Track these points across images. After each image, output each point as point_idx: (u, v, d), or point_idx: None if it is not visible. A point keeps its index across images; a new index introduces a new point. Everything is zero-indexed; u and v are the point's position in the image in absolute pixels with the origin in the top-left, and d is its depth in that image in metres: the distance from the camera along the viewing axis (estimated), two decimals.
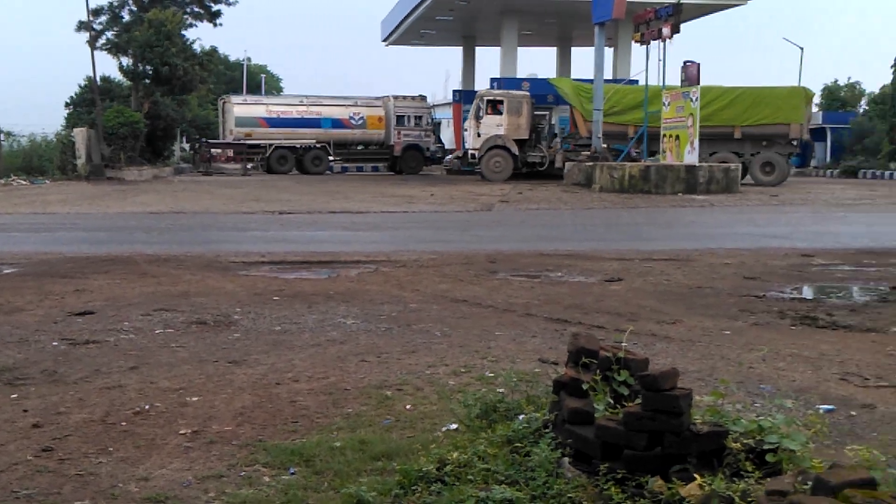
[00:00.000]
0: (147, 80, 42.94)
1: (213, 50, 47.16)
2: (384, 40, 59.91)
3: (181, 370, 6.64)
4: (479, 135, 36.76)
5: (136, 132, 39.98)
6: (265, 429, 5.31)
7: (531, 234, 18.22)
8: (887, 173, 44.81)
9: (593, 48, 35.20)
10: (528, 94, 38.62)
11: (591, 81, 39.59)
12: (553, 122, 41.34)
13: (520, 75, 45.46)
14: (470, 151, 37.43)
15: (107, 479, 4.52)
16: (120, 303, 9.49)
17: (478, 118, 36.88)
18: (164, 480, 4.50)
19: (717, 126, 34.19)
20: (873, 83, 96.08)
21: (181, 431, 5.25)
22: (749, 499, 3.17)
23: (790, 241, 16.32)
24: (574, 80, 40.61)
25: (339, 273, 12.13)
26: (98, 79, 41.80)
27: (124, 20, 45.31)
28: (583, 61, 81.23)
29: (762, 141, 35.60)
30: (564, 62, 54.55)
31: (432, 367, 6.70)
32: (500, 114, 36.83)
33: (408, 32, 54.11)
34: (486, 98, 37.36)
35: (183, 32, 43.84)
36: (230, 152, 45.81)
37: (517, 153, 36.87)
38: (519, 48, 46.44)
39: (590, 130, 36.12)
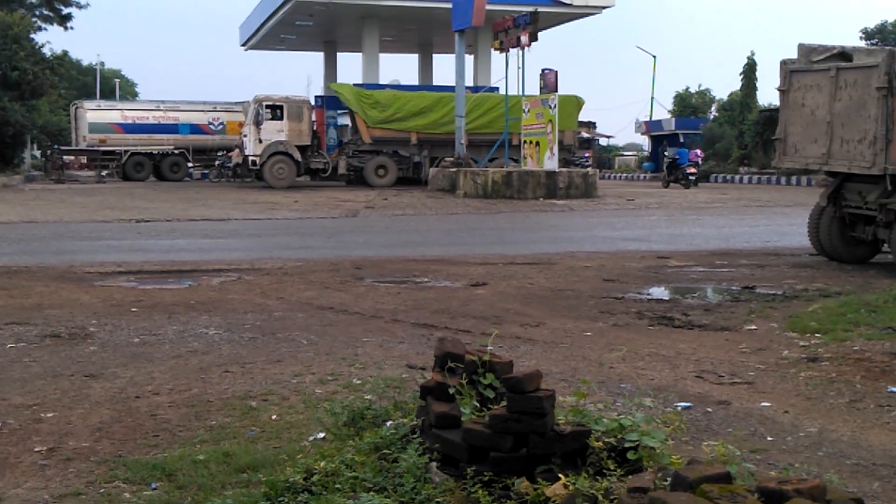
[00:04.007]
0: None
1: (65, 54, 45.62)
2: (243, 45, 59.08)
3: (35, 385, 6.37)
4: (259, 141, 35.81)
5: None
6: (125, 444, 5.15)
7: (397, 239, 18.25)
8: (737, 177, 46.73)
9: (454, 55, 35.55)
10: (307, 99, 38.14)
11: (374, 87, 40.24)
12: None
13: (382, 81, 45.52)
14: (251, 158, 36.21)
15: None
16: None
17: (257, 124, 35.78)
18: (19, 500, 4.32)
19: (497, 133, 35.10)
20: (722, 90, 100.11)
21: (36, 449, 5.05)
22: (612, 496, 3.24)
23: (647, 243, 16.83)
24: (355, 85, 40.65)
25: (200, 282, 11.87)
26: None
27: None
28: (444, 68, 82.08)
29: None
30: (426, 69, 54.96)
31: (298, 375, 6.62)
32: (281, 119, 36.12)
33: (267, 37, 53.51)
34: (265, 103, 36.23)
35: (32, 36, 42.27)
36: (84, 159, 44.36)
37: (300, 159, 36.37)
38: (381, 54, 46.51)
39: (372, 137, 36.94)
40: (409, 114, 36.94)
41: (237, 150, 40.35)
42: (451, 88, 35.88)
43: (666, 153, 44.07)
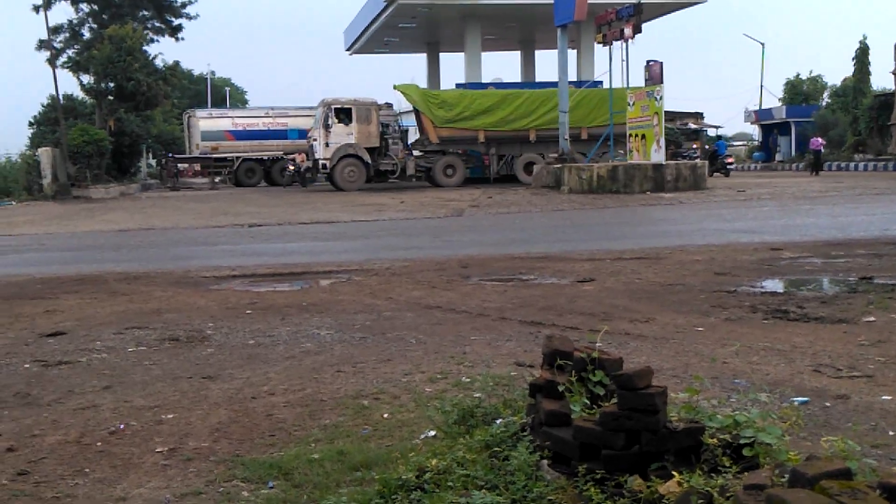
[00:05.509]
0: (110, 97, 42.66)
1: (176, 64, 46.95)
2: (348, 49, 59.88)
3: (155, 388, 6.59)
4: (328, 144, 35.90)
5: (102, 150, 39.74)
6: (242, 443, 5.28)
7: (502, 237, 18.25)
8: (852, 165, 45.30)
9: (556, 51, 35.37)
10: (375, 101, 37.92)
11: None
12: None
13: (485, 80, 45.58)
14: (321, 162, 36.37)
15: (84, 500, 4.48)
16: (91, 322, 9.41)
17: (326, 127, 35.88)
18: (142, 500, 4.46)
19: (576, 127, 34.71)
20: (834, 76, 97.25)
21: (157, 449, 5.21)
22: (728, 494, 3.19)
23: (759, 235, 16.45)
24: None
25: (311, 284, 12.09)
26: (61, 97, 41.48)
27: (84, 38, 45.07)
28: (547, 64, 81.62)
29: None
30: (528, 65, 54.81)
31: (408, 374, 6.69)
32: (350, 122, 36.14)
33: (371, 41, 54.12)
34: (333, 106, 36.34)
35: (144, 48, 43.62)
36: (197, 167, 45.61)
37: (369, 161, 36.32)
38: (483, 53, 46.56)
39: (439, 136, 36.82)
40: (475, 112, 36.96)
41: (302, 155, 40.78)
42: (554, 84, 35.72)
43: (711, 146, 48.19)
